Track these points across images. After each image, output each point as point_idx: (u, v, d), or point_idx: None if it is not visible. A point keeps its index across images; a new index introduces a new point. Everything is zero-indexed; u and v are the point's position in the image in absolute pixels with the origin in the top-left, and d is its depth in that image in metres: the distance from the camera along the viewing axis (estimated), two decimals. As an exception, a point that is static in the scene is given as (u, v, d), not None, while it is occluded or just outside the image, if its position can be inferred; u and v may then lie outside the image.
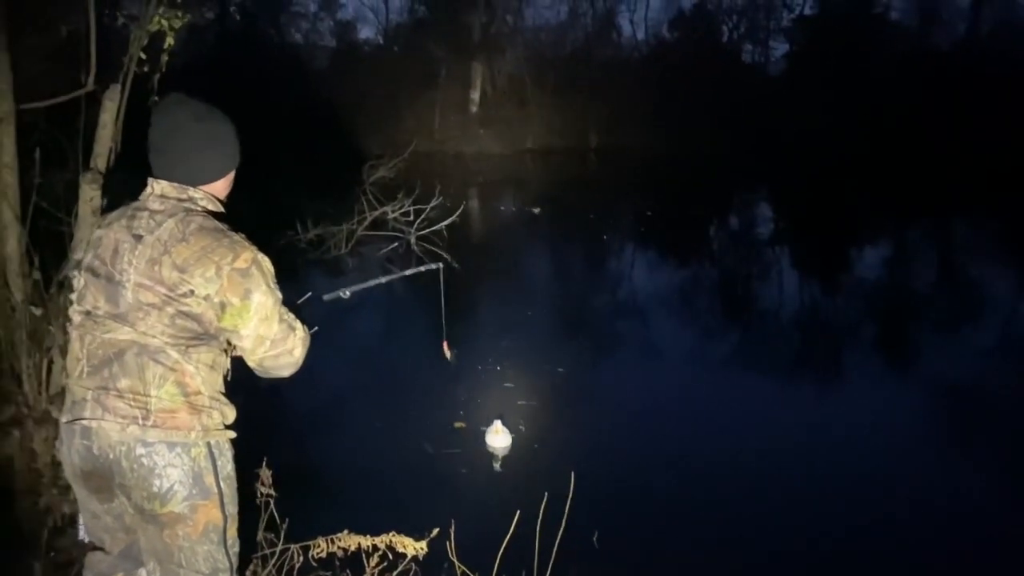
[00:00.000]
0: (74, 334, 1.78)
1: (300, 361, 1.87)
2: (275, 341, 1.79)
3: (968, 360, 6.33)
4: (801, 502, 3.94)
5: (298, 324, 1.84)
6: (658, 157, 22.02)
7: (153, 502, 1.72)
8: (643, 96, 24.76)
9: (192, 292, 1.68)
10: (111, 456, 1.70)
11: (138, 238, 1.71)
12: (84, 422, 1.71)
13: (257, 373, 1.88)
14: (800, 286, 9.52)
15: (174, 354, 1.71)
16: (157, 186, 1.79)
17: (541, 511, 2.59)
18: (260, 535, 2.74)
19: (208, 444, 1.76)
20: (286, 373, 1.87)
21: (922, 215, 15.00)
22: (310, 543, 2.63)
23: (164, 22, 3.36)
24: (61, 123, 4.04)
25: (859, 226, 13.69)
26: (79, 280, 1.79)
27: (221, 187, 1.89)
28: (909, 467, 4.35)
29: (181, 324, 1.70)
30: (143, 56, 3.46)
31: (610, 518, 3.48)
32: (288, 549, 2.68)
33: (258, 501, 2.71)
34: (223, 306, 1.71)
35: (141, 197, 1.81)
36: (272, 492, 2.73)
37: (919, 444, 4.70)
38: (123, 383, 1.70)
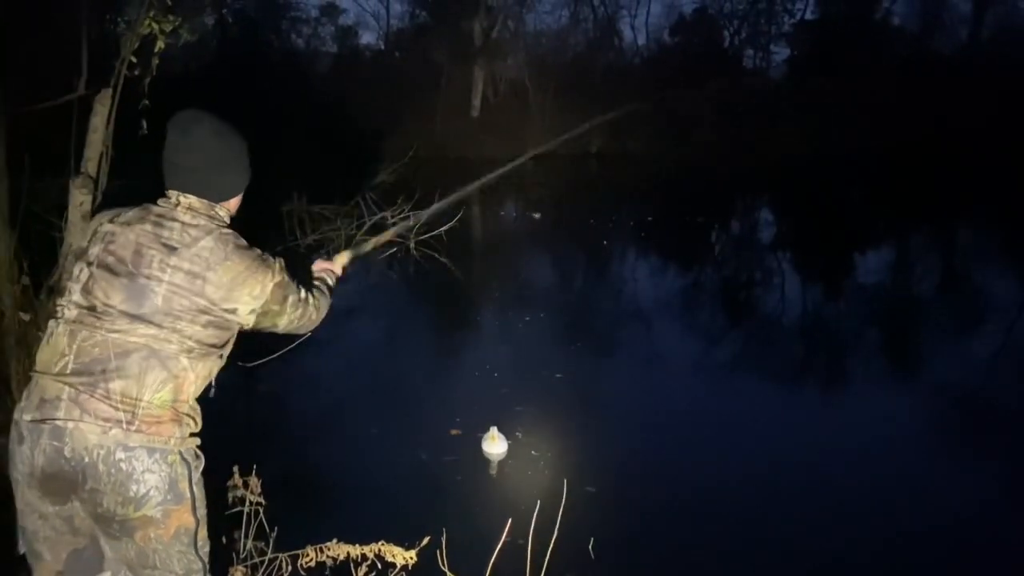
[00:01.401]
0: (62, 327, 1.73)
1: (318, 321, 2.09)
2: (299, 316, 1.99)
3: (979, 367, 6.27)
4: (801, 510, 3.89)
5: (311, 297, 2.02)
6: (659, 162, 22.00)
7: (127, 507, 1.70)
8: (644, 101, 24.70)
9: (236, 310, 1.79)
10: (86, 459, 1.66)
11: (171, 248, 1.74)
12: (58, 422, 1.66)
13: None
14: (802, 292, 9.47)
15: (184, 361, 1.75)
16: (184, 199, 1.82)
17: (533, 519, 2.56)
18: (249, 544, 2.71)
19: (181, 452, 1.78)
20: (304, 332, 2.11)
21: (925, 220, 14.96)
22: (299, 552, 2.60)
23: (155, 25, 3.33)
24: (55, 128, 4.02)
25: (862, 232, 13.63)
26: (82, 272, 1.76)
27: (236, 203, 1.96)
28: (915, 475, 4.29)
29: (212, 332, 1.78)
30: (134, 60, 3.44)
31: (605, 526, 3.43)
32: (277, 558, 2.66)
33: (247, 509, 2.68)
34: (265, 313, 1.87)
35: (162, 204, 1.83)
36: (261, 500, 2.70)
37: (925, 451, 4.65)
38: (116, 384, 1.68)
